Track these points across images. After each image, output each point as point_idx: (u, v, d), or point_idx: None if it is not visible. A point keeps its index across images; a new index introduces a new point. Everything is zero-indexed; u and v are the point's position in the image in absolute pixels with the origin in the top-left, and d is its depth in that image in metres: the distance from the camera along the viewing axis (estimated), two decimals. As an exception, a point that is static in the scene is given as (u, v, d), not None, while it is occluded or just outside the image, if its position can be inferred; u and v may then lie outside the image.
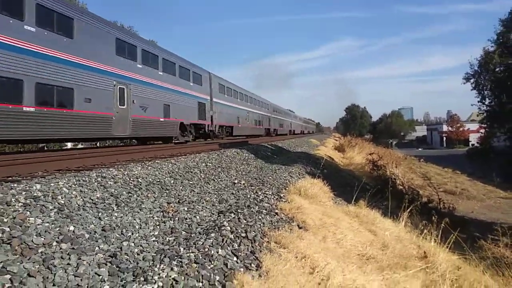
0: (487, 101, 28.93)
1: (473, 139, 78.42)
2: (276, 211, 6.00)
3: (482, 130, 39.16)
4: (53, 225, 4.16)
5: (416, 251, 5.94)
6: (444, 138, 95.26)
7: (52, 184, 5.30)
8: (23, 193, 4.74)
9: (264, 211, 5.78)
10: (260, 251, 4.35)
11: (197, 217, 5.48)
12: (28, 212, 4.26)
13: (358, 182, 16.61)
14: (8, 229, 3.78)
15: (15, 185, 5.10)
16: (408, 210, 8.42)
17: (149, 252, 4.03)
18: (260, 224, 5.17)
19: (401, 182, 16.47)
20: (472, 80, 29.55)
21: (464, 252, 6.91)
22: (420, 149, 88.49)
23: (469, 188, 28.44)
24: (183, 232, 4.74)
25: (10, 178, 5.98)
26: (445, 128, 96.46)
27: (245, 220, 5.17)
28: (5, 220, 3.96)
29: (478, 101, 29.83)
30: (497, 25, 27.13)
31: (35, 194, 4.80)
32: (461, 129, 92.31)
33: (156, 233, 4.71)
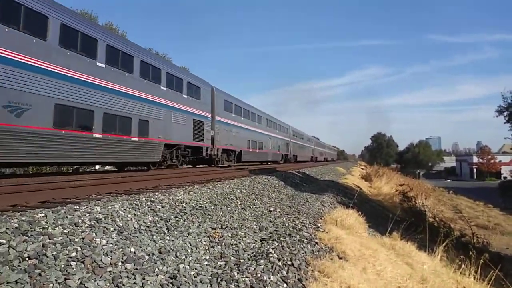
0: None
1: (505, 171, 75.86)
2: (316, 240, 6.21)
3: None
4: (116, 246, 4.54)
5: (456, 286, 5.98)
6: (475, 170, 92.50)
7: (109, 207, 5.73)
8: (87, 215, 5.17)
9: (305, 240, 6.01)
10: (306, 279, 4.57)
11: (242, 243, 5.75)
12: (94, 233, 4.66)
13: (388, 213, 16.51)
14: (80, 249, 4.17)
15: (78, 207, 5.55)
16: (444, 244, 8.40)
17: (204, 275, 4.32)
18: (303, 253, 5.40)
19: (433, 214, 16.23)
20: (505, 113, 29.05)
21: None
22: (448, 180, 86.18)
23: (502, 223, 27.52)
24: (232, 258, 5.02)
25: (69, 200, 6.46)
26: (475, 159, 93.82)
27: (288, 248, 5.42)
28: (76, 240, 4.36)
29: (512, 134, 29.19)
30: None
31: (97, 216, 5.22)
32: (492, 161, 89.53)
33: (207, 257, 5.00)
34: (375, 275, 5.48)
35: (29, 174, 14.24)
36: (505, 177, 70.89)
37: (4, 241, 3.70)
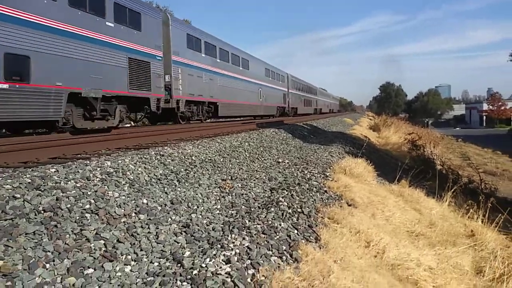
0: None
1: (516, 118, 74.91)
2: (325, 189, 6.26)
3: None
4: (128, 198, 4.61)
5: (463, 229, 6.08)
6: (484, 117, 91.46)
7: (119, 161, 5.77)
8: (98, 169, 5.22)
9: (314, 188, 6.06)
10: (316, 225, 4.65)
11: (252, 193, 5.83)
12: (106, 187, 4.73)
13: (397, 161, 16.55)
14: (93, 201, 4.24)
15: (88, 162, 5.60)
16: (452, 190, 8.45)
17: (216, 224, 4.41)
18: (312, 201, 5.46)
19: (441, 162, 16.25)
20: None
21: (510, 231, 6.95)
22: (458, 128, 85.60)
23: (511, 169, 27.53)
24: (243, 207, 5.10)
25: (80, 155, 6.53)
26: (485, 106, 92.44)
27: (298, 197, 5.48)
28: (89, 193, 4.43)
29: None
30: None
31: (108, 170, 5.27)
32: (502, 107, 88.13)
33: (219, 206, 5.10)
34: (384, 221, 5.56)
35: (41, 133, 14.36)
36: (515, 124, 70.15)
37: (18, 195, 3.77)
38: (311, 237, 4.23)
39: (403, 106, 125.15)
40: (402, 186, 8.69)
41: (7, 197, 3.68)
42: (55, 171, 4.79)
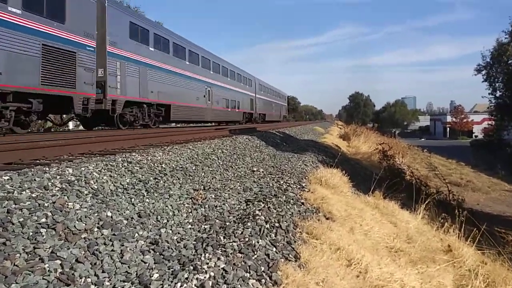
0: (498, 93, 28.86)
1: (477, 130, 78.33)
2: (302, 201, 6.03)
3: (488, 122, 39.23)
4: (91, 211, 4.19)
5: (440, 244, 6.01)
6: (448, 129, 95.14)
7: (83, 169, 5.31)
8: (58, 177, 4.75)
9: (291, 200, 5.82)
10: (295, 241, 4.39)
11: (226, 205, 5.51)
12: (65, 197, 4.28)
13: (367, 171, 16.68)
14: (50, 214, 3.79)
15: (47, 169, 5.10)
16: (426, 202, 8.46)
17: (188, 240, 4.06)
18: (290, 214, 5.21)
19: (410, 172, 16.51)
20: (483, 72, 29.41)
21: (481, 246, 6.97)
22: (423, 139, 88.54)
23: (474, 180, 28.56)
24: (217, 220, 4.77)
25: (38, 161, 5.99)
26: (449, 118, 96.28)
27: (275, 209, 5.21)
28: (46, 204, 3.97)
29: (489, 93, 29.77)
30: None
31: (69, 178, 4.81)
32: (465, 120, 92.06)
33: (191, 220, 4.74)
34: (362, 235, 5.38)
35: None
36: (476, 136, 73.20)
37: (-39, 208, 3.29)
38: (290, 255, 3.96)
39: (371, 116, 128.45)
40: (376, 197, 8.61)
41: None
42: (8, 179, 4.29)
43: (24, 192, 4.01)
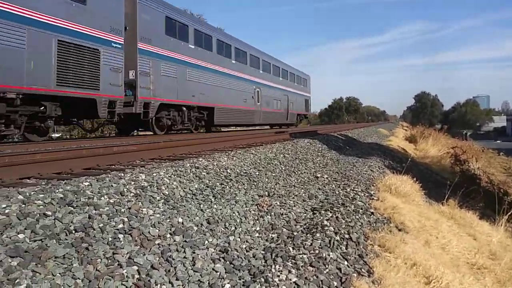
0: None
1: None
2: (371, 210, 5.76)
3: None
4: (163, 216, 4.31)
5: (530, 262, 5.40)
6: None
7: (154, 174, 5.51)
8: (132, 183, 4.97)
9: (360, 210, 5.58)
10: (367, 254, 4.18)
11: (292, 213, 5.42)
12: (140, 203, 4.45)
13: (438, 176, 15.66)
14: (127, 220, 3.96)
15: (122, 174, 5.37)
16: (509, 213, 7.70)
17: (257, 249, 4.02)
18: (359, 225, 4.99)
19: (488, 179, 15.20)
20: None
21: None
22: (498, 141, 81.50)
23: (561, 188, 25.62)
24: (284, 229, 4.70)
25: (113, 167, 6.34)
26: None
27: (344, 219, 5.02)
28: (123, 210, 4.16)
29: None
30: None
31: (142, 184, 5.01)
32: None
33: (258, 228, 4.71)
34: (439, 249, 5.01)
35: (75, 139, 14.54)
36: (562, 138, 65.94)
37: (50, 213, 3.53)
38: (363, 270, 3.77)
39: (440, 116, 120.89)
40: (451, 207, 8.02)
41: (38, 215, 3.45)
42: (88, 185, 4.56)
43: (102, 198, 4.23)
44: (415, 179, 9.13)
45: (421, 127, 45.00)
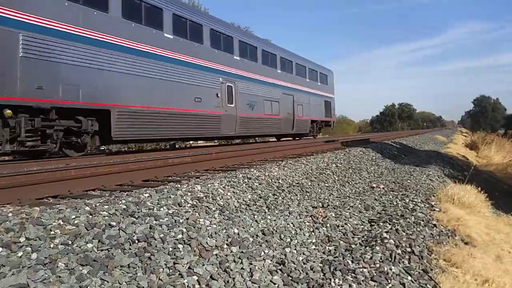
0: None
1: None
2: (434, 222, 5.44)
3: None
4: (219, 227, 4.37)
5: None
6: None
7: (209, 185, 5.63)
8: (189, 194, 5.10)
9: (421, 222, 5.30)
10: (431, 269, 3.94)
11: (349, 225, 5.26)
12: (197, 214, 4.55)
13: (506, 187, 14.55)
14: (185, 230, 4.06)
15: (179, 185, 5.53)
16: None
17: (314, 262, 3.94)
18: (422, 238, 4.73)
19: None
20: None
21: None
22: None
23: None
24: (341, 242, 4.57)
25: (170, 178, 6.56)
26: None
27: (404, 232, 4.79)
28: (181, 221, 4.27)
29: None
30: None
31: (198, 195, 5.13)
32: None
33: (314, 240, 4.63)
34: (513, 265, 4.60)
35: (133, 151, 15.27)
36: None
37: (114, 223, 3.71)
38: (428, 286, 3.55)
39: (502, 121, 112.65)
40: (521, 218, 7.38)
41: (104, 225, 3.63)
42: (148, 196, 4.75)
43: (162, 209, 4.38)
44: (479, 188, 8.55)
45: (482, 132, 42.18)
